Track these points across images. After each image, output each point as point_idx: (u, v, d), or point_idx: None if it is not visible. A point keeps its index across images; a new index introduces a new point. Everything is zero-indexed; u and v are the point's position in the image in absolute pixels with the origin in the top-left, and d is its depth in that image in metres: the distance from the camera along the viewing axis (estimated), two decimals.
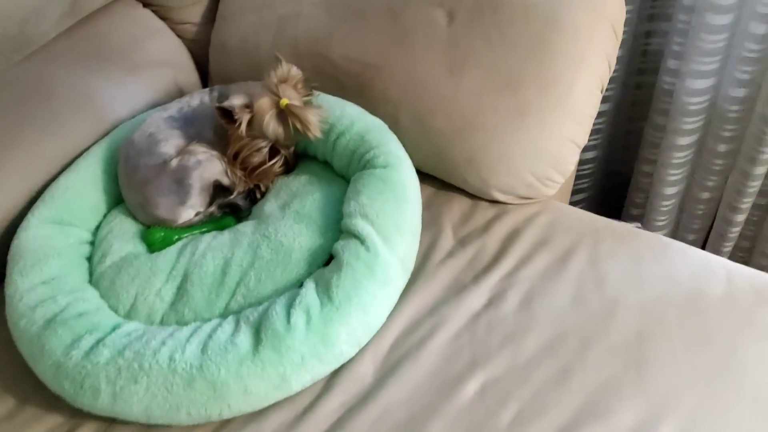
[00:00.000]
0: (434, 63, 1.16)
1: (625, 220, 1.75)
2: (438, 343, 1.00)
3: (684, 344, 0.97)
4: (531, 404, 0.92)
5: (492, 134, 1.14)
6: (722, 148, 1.52)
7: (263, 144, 1.10)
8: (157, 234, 1.09)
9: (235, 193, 1.13)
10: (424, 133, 1.18)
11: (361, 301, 0.96)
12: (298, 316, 0.93)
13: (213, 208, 1.13)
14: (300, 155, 1.20)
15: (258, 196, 1.17)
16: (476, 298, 1.06)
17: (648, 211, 1.68)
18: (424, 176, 1.14)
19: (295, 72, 1.11)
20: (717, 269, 1.08)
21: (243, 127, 1.02)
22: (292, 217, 1.08)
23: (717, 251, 1.65)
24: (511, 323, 1.02)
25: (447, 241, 1.15)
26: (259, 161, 1.11)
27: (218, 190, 1.13)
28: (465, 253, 1.12)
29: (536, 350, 0.98)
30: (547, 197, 1.21)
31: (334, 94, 1.19)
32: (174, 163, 1.08)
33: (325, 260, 1.04)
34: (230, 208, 1.15)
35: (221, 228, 1.12)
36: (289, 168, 1.17)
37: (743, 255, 1.68)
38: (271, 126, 1.07)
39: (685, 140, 1.54)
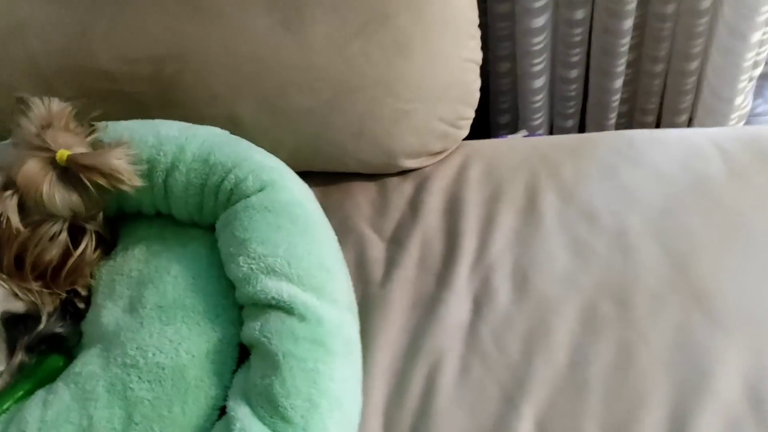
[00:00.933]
0: (260, 26, 0.79)
1: (500, 134, 1.53)
2: (446, 394, 0.68)
3: (728, 248, 0.74)
4: (611, 414, 0.64)
5: (374, 89, 0.81)
6: (579, 14, 1.32)
7: (55, 228, 0.69)
8: None
9: (43, 319, 0.70)
10: (283, 121, 0.83)
11: (331, 400, 0.61)
12: None
13: (20, 356, 0.70)
14: (115, 220, 0.78)
15: (81, 305, 0.74)
16: (457, 307, 0.75)
17: (521, 113, 1.47)
18: (302, 176, 0.78)
19: (58, 106, 0.70)
20: (698, 142, 0.86)
21: (13, 219, 0.60)
22: (155, 319, 0.68)
23: (601, 126, 1.49)
24: (520, 320, 0.73)
25: (375, 248, 0.82)
26: (58, 255, 0.70)
27: (12, 324, 0.70)
28: (407, 255, 0.80)
29: (571, 341, 0.70)
30: (458, 141, 0.91)
31: (129, 117, 0.78)
32: None
33: (236, 361, 0.67)
34: (46, 343, 0.72)
35: (48, 379, 0.69)
36: (108, 245, 0.76)
37: (625, 120, 1.54)
38: (57, 197, 0.67)
39: (538, 21, 1.31)
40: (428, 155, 0.88)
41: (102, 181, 0.68)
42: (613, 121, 1.51)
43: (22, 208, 0.68)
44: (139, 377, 0.64)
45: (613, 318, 0.71)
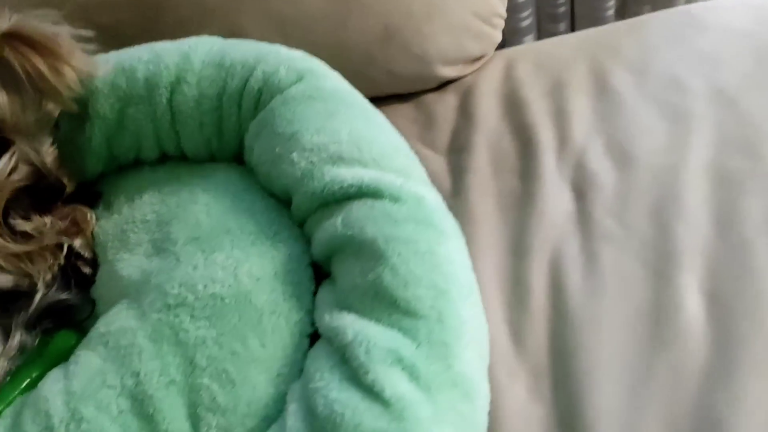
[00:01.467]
0: None
1: None
2: (578, 289, 0.54)
3: None
4: None
5: None
6: None
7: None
8: None
9: (40, 287, 0.53)
10: (294, 32, 0.70)
11: (460, 287, 0.46)
12: (392, 379, 0.39)
13: (18, 336, 0.52)
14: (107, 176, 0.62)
15: (86, 269, 0.57)
16: (555, 198, 0.61)
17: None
18: None
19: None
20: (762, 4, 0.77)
21: None
22: (194, 252, 0.52)
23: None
24: (638, 195, 0.60)
25: (433, 162, 0.68)
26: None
27: (2, 302, 0.52)
28: (474, 160, 0.67)
29: (708, 202, 0.57)
30: (495, 45, 0.79)
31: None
32: None
33: (313, 281, 0.51)
34: (52, 317, 0.54)
35: (60, 358, 0.51)
36: (91, 196, 0.62)
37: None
38: None
39: None
40: (466, 61, 0.76)
41: (39, 64, 0.52)
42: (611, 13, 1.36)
43: None
44: (192, 315, 0.47)
45: (749, 171, 0.59)
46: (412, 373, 0.41)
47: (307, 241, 0.53)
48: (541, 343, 0.52)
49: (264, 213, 0.54)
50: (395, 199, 0.48)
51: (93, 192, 0.63)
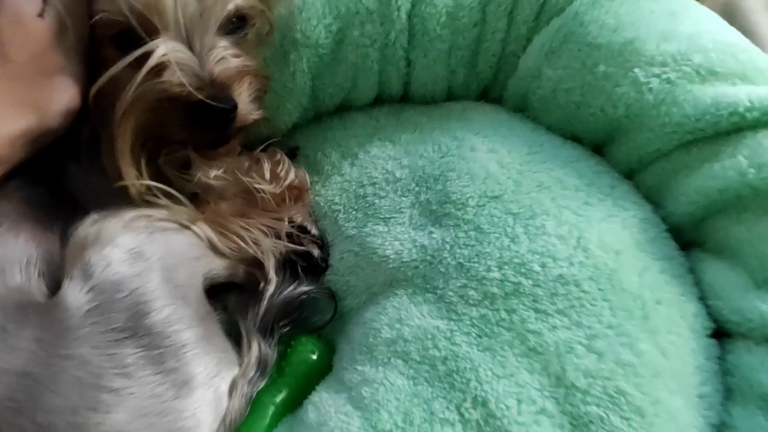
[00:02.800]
0: None
1: None
2: None
3: None
4: None
5: None
6: None
7: None
8: None
9: (271, 278, 0.38)
10: None
11: None
12: None
13: (255, 347, 0.37)
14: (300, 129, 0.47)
15: (315, 252, 0.41)
16: None
17: None
18: None
19: None
20: None
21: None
22: (502, 214, 0.36)
23: None
24: None
25: None
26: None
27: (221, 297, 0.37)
28: None
29: None
30: None
31: None
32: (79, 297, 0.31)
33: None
34: (289, 321, 0.39)
35: (307, 375, 0.36)
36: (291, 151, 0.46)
37: None
38: None
39: None
40: None
41: None
42: None
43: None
44: (536, 309, 0.32)
45: None
46: None
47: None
48: None
49: (580, 161, 0.38)
50: None
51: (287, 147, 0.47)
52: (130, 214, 0.35)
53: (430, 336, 0.33)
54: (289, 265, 0.40)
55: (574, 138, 0.40)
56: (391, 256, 0.38)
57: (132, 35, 0.35)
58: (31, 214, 0.37)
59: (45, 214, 0.37)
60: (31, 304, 0.33)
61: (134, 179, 0.36)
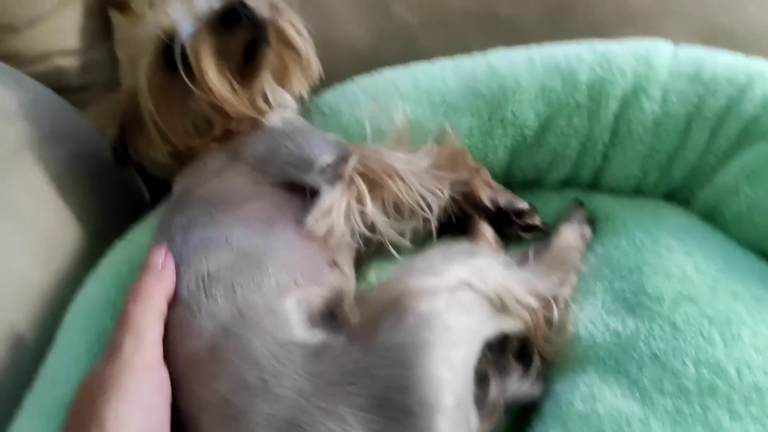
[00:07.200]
0: None
1: None
2: None
3: None
4: None
5: None
6: None
7: None
8: None
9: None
10: (735, 43, 0.56)
11: None
12: None
13: (493, 388, 0.39)
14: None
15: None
16: None
17: None
18: None
19: None
20: None
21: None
22: (698, 316, 0.39)
23: None
24: None
25: None
26: None
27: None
28: None
29: None
30: None
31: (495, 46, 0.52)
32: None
33: None
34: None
35: None
36: None
37: None
38: None
39: None
40: None
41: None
42: None
43: None
44: (730, 410, 0.35)
45: None
46: None
47: None
48: None
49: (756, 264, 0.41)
50: None
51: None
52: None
53: (624, 416, 0.36)
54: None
55: (764, 255, 0.43)
56: (584, 336, 0.41)
57: None
58: None
59: None
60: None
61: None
